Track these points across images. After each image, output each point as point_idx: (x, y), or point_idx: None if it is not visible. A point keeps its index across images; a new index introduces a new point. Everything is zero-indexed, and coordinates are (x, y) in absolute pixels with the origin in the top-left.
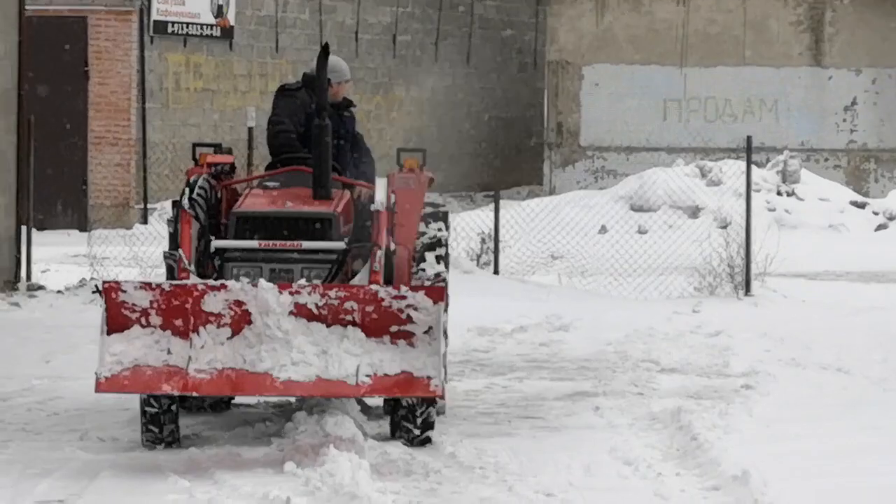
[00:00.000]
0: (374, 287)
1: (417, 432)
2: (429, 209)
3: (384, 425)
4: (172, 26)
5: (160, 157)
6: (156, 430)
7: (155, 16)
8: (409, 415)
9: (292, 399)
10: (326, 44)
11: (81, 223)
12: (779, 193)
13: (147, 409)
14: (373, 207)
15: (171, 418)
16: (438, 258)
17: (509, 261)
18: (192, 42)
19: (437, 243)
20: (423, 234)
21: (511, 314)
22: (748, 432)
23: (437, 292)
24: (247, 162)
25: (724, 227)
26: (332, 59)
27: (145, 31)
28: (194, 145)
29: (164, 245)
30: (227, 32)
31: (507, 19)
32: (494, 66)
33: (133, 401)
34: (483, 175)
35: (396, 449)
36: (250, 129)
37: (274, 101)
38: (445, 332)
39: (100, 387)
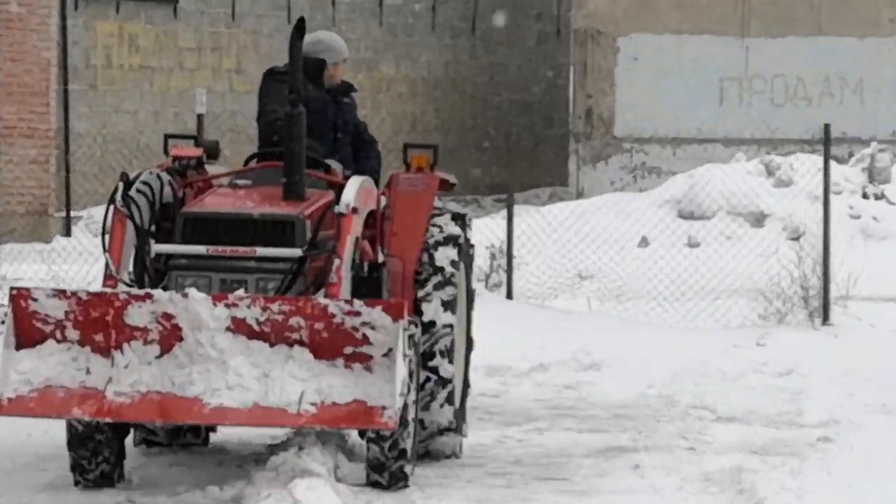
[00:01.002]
0: (323, 301)
1: (382, 464)
2: (441, 229)
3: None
4: None
5: (87, 153)
6: (86, 465)
7: None
8: (378, 445)
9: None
10: (301, 19)
11: None
12: (865, 196)
13: (74, 441)
14: (335, 209)
15: (106, 452)
16: (446, 304)
17: (526, 282)
18: (127, 7)
19: (444, 284)
20: (428, 269)
21: (528, 349)
22: (826, 496)
23: (397, 308)
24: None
25: (797, 239)
26: (326, 35)
27: None
28: (166, 136)
29: (91, 262)
30: None
31: None
32: (506, 37)
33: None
34: (493, 174)
35: None
36: (200, 117)
37: (261, 88)
38: (467, 377)
39: (2, 409)
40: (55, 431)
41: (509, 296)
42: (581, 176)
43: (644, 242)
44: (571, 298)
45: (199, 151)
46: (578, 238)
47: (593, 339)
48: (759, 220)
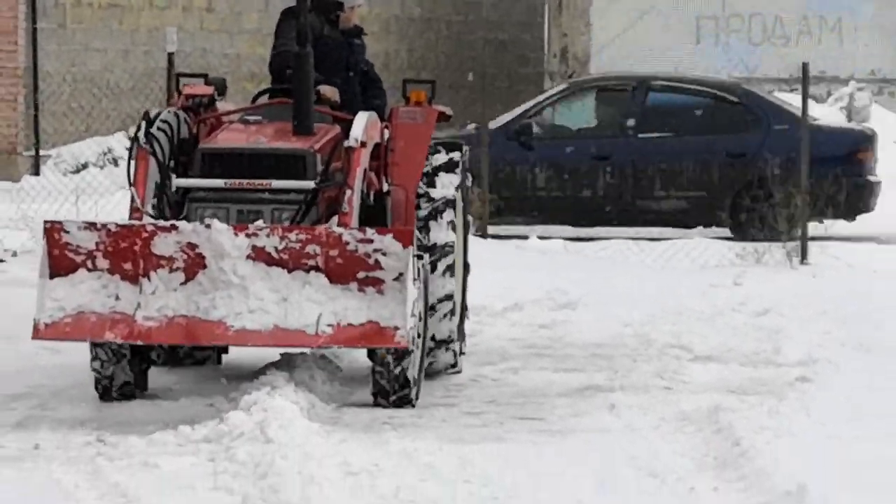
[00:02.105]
0: (337, 229)
1: (388, 388)
2: (437, 159)
3: (350, 418)
4: None
5: (55, 92)
6: (108, 381)
7: None
8: (382, 370)
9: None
10: None
11: None
12: None
13: (95, 360)
14: (346, 143)
15: (128, 369)
16: (447, 224)
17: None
18: None
19: (445, 206)
20: (428, 193)
21: (502, 288)
22: (804, 435)
23: (407, 235)
24: (166, 98)
25: None
26: None
27: None
28: (178, 75)
29: (61, 201)
30: None
31: None
32: None
33: None
34: (468, 112)
35: (360, 458)
36: (170, 55)
37: (277, 26)
38: (465, 300)
39: (38, 333)
40: (27, 371)
41: (483, 234)
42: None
43: None
44: (546, 236)
45: (210, 89)
46: None
47: (569, 278)
48: None
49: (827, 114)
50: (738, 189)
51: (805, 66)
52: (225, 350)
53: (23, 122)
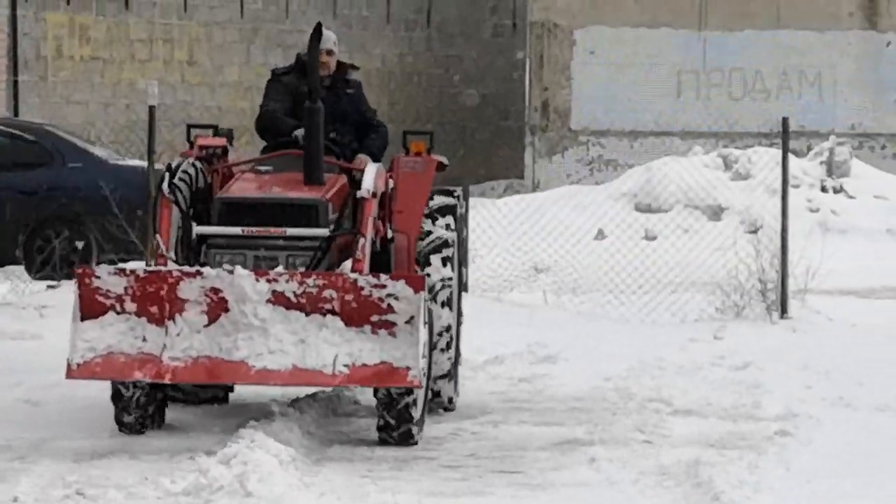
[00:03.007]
0: (352, 275)
1: (393, 425)
2: (434, 204)
3: (329, 472)
4: None
5: None
6: (127, 416)
7: None
8: (387, 405)
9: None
10: (319, 24)
11: None
12: (823, 189)
13: (118, 396)
14: (358, 194)
15: (143, 405)
16: (445, 260)
17: (482, 274)
18: None
19: (443, 244)
20: (429, 233)
21: (484, 342)
22: (784, 491)
23: (419, 281)
24: (147, 149)
25: (754, 232)
26: (326, 30)
27: None
28: (189, 126)
29: None
30: None
31: None
32: (462, 29)
33: None
34: (449, 166)
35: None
36: (151, 109)
37: (265, 89)
38: (458, 344)
39: (71, 373)
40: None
41: (464, 288)
42: (537, 169)
43: (600, 235)
44: (527, 291)
45: (223, 141)
46: (534, 231)
47: (549, 332)
48: (716, 213)
49: (808, 168)
50: (32, 226)
51: (785, 121)
52: (231, 388)
53: None
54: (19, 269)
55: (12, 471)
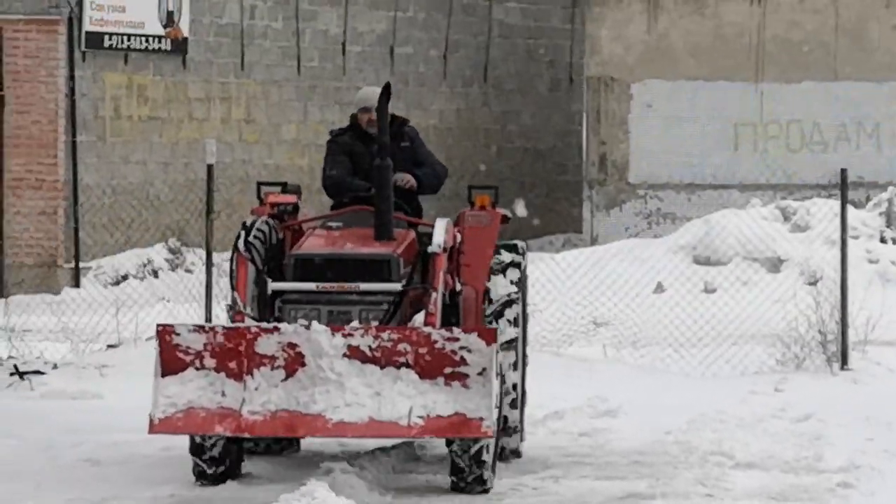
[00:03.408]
0: (426, 329)
1: (468, 478)
2: (499, 260)
3: None
4: (110, 39)
5: (96, 204)
6: (207, 468)
7: (88, 26)
8: (461, 454)
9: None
10: (388, 84)
11: None
12: (882, 240)
13: (198, 450)
14: (429, 249)
15: (222, 458)
16: (512, 320)
17: (541, 328)
18: (136, 58)
19: (509, 303)
20: (495, 292)
21: (544, 396)
22: None
23: (490, 333)
24: (206, 207)
25: (814, 284)
26: (364, 90)
27: (76, 45)
28: (259, 184)
29: (101, 313)
30: (180, 46)
31: (534, 25)
32: (519, 85)
33: None
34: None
35: None
36: (210, 167)
37: (325, 153)
38: (524, 386)
39: (153, 428)
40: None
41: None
42: (595, 222)
43: (660, 288)
44: (587, 345)
45: (294, 198)
46: (593, 285)
47: (609, 386)
48: (775, 265)
49: (866, 219)
50: None
51: (843, 172)
52: (299, 443)
53: (63, 234)
54: (79, 329)
55: None
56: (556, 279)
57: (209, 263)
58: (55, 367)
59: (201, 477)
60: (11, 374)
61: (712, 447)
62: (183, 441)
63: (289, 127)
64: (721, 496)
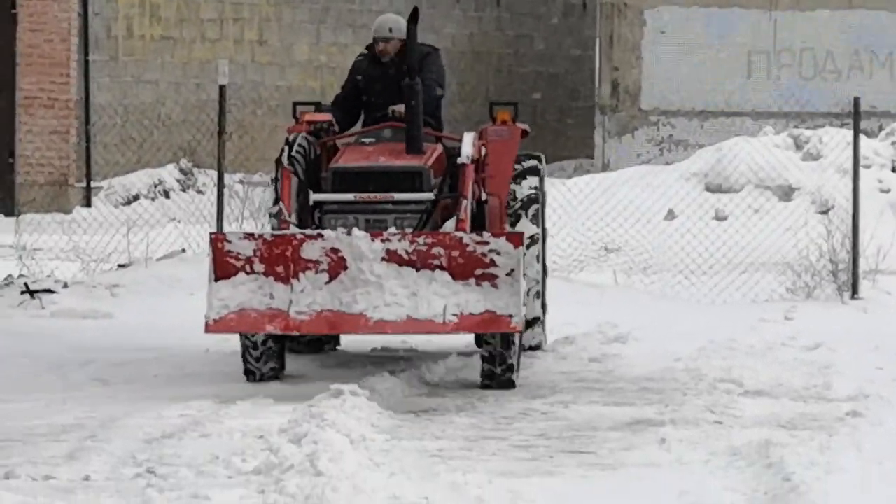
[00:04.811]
0: (459, 234)
1: (498, 373)
2: (520, 167)
3: (400, 451)
4: None
5: (108, 124)
6: (256, 368)
7: None
8: (490, 357)
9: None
10: (416, 8)
11: (7, 206)
12: (894, 170)
13: (248, 351)
14: (459, 160)
15: (270, 356)
16: (533, 217)
17: (551, 254)
18: None
19: (531, 202)
20: (518, 193)
21: (554, 322)
22: (856, 472)
23: (518, 237)
24: (218, 128)
25: (825, 213)
26: (381, 17)
27: None
28: (295, 104)
29: (112, 233)
30: None
31: None
32: (532, 9)
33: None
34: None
35: (409, 492)
36: (222, 88)
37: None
38: (545, 292)
39: (209, 328)
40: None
41: None
42: (607, 148)
43: (671, 215)
44: (597, 271)
45: (329, 116)
46: (604, 211)
47: (619, 312)
48: (787, 193)
49: (879, 148)
50: None
51: (856, 101)
52: (338, 341)
53: (75, 154)
54: (90, 248)
55: (84, 449)
56: (567, 205)
57: (220, 184)
58: (66, 286)
59: (250, 375)
60: (22, 293)
61: (722, 374)
62: (191, 361)
63: (301, 48)
64: (730, 423)
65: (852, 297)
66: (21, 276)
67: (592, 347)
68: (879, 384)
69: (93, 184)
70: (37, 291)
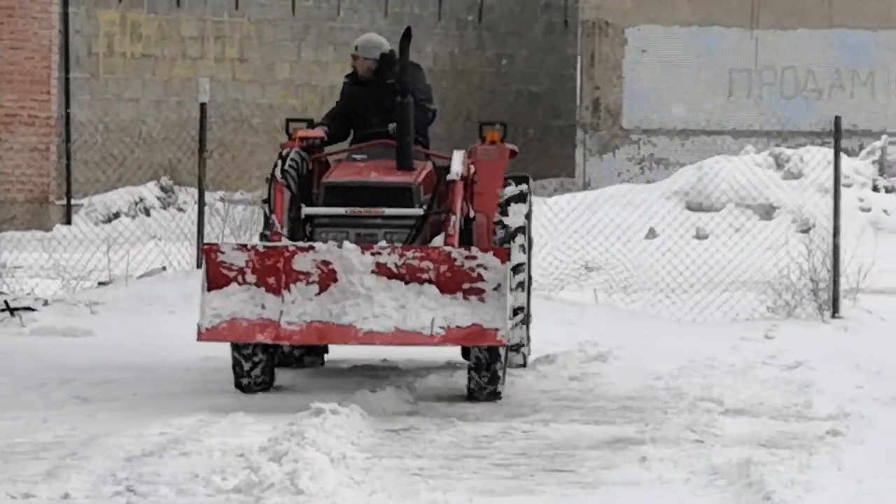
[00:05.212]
0: (447, 248)
1: (483, 385)
2: (509, 187)
3: (380, 470)
4: None
5: (88, 141)
6: (246, 378)
7: None
8: (476, 369)
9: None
10: (408, 28)
11: None
12: (875, 189)
13: (238, 358)
14: (448, 177)
15: (260, 368)
16: (520, 247)
17: (532, 272)
18: None
19: (518, 232)
20: (505, 223)
21: (534, 341)
22: (836, 490)
23: (504, 253)
24: (199, 146)
25: (806, 231)
26: (359, 38)
27: None
28: (288, 120)
29: (92, 250)
30: None
31: None
32: (514, 28)
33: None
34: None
35: None
36: (203, 106)
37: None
38: (529, 305)
39: (201, 336)
40: (57, 420)
41: None
42: (588, 167)
43: (652, 234)
44: (578, 290)
45: (322, 132)
46: (585, 229)
47: (600, 330)
48: (768, 212)
49: (859, 167)
50: None
51: (837, 120)
52: (324, 357)
53: (55, 171)
54: (70, 266)
55: (64, 467)
56: (548, 223)
57: (201, 202)
58: (46, 303)
59: (242, 387)
60: (2, 311)
61: (702, 393)
62: (171, 380)
63: (282, 66)
64: (711, 442)
65: (833, 316)
66: (1, 293)
67: (573, 366)
68: (860, 403)
69: (73, 201)
70: (17, 309)
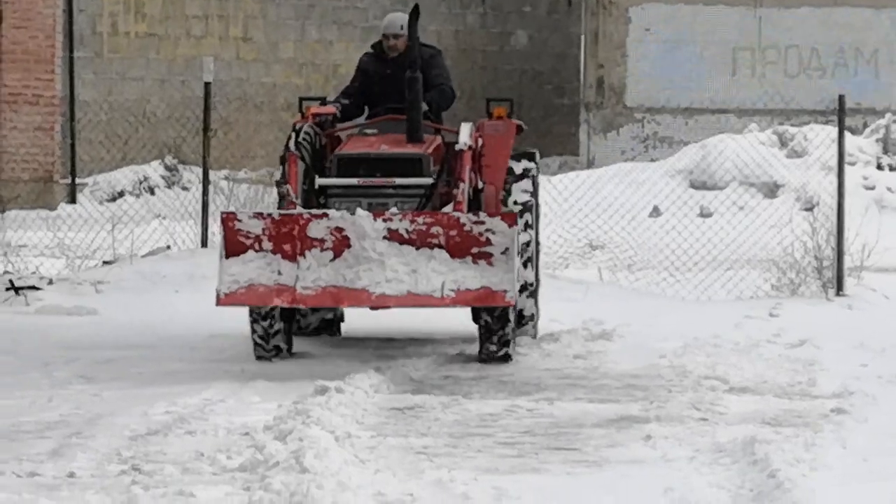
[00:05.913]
0: (456, 214)
1: (494, 349)
2: (520, 166)
3: (385, 448)
4: None
5: (92, 120)
6: (264, 344)
7: None
8: (487, 333)
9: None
10: (416, 5)
11: None
12: (879, 167)
13: (256, 327)
14: (457, 147)
15: (277, 334)
16: (526, 224)
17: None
18: None
19: (524, 210)
20: (512, 198)
21: (539, 318)
22: (841, 468)
23: (511, 217)
24: (203, 125)
25: (810, 210)
26: (390, 14)
27: None
28: (301, 99)
29: (96, 229)
30: None
31: None
32: (516, 6)
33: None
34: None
35: (395, 489)
36: (207, 85)
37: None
38: (538, 273)
39: (220, 301)
40: (62, 399)
41: None
42: (592, 145)
43: (656, 212)
44: (582, 268)
45: (334, 109)
46: (589, 208)
47: (604, 309)
48: (772, 190)
49: (863, 145)
50: None
51: (841, 98)
52: (339, 326)
53: (59, 150)
54: (75, 245)
55: (69, 446)
56: (552, 202)
57: (206, 181)
58: (51, 282)
59: (261, 353)
60: (7, 289)
61: (706, 371)
62: (176, 358)
63: (286, 45)
64: (715, 420)
65: (837, 294)
66: (6, 272)
67: (577, 344)
68: (864, 381)
69: (77, 180)
70: (22, 288)
